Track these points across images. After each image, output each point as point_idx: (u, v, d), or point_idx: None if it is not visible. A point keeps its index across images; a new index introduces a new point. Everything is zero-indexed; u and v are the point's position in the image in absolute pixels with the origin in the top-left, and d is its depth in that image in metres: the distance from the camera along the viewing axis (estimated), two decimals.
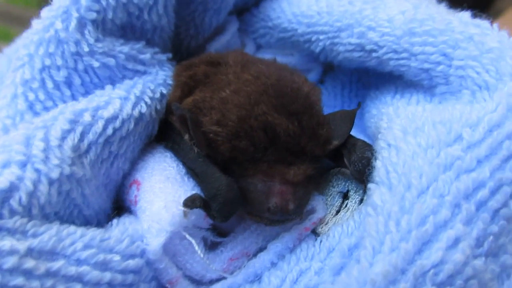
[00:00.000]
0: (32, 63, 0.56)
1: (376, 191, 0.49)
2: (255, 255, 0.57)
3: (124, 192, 0.59)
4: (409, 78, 0.63)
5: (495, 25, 0.58)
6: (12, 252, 0.41)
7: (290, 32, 0.76)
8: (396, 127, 0.54)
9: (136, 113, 0.57)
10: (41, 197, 0.45)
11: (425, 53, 0.59)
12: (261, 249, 0.58)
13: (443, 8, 0.64)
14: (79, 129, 0.51)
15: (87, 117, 0.52)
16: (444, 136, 0.48)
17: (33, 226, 0.44)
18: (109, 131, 0.53)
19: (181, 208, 0.51)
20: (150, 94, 0.60)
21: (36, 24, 0.57)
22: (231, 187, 0.52)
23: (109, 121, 0.53)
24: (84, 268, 0.45)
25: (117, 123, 0.54)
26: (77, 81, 0.57)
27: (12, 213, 0.43)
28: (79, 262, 0.45)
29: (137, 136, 0.58)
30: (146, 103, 0.58)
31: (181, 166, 0.59)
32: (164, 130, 0.63)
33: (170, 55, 0.68)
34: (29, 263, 0.42)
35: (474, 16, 0.63)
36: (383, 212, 0.46)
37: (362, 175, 0.57)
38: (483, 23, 0.58)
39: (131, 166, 0.59)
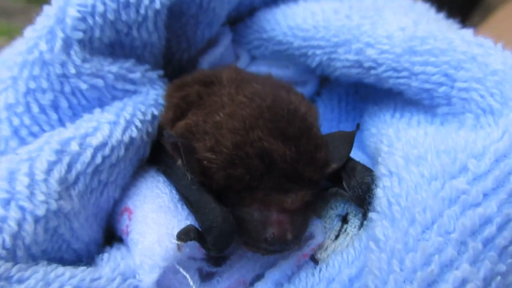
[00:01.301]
0: (16, 86, 0.54)
1: (378, 224, 0.47)
2: (252, 283, 0.56)
3: (116, 219, 0.57)
4: (409, 97, 0.62)
5: (499, 44, 0.56)
6: None
7: (285, 45, 0.74)
8: (397, 153, 0.52)
9: (126, 138, 0.55)
10: (26, 237, 0.43)
11: (426, 73, 0.58)
12: (259, 277, 0.56)
13: (443, 24, 0.62)
14: (66, 159, 0.49)
15: (74, 146, 0.50)
16: (449, 167, 0.47)
17: (18, 271, 0.42)
18: (98, 159, 0.52)
19: (175, 241, 0.49)
20: (141, 117, 0.58)
21: (19, 45, 0.55)
22: (227, 219, 0.51)
23: (98, 149, 0.52)
24: None
25: (107, 151, 0.52)
26: (64, 104, 0.55)
27: None
28: None
29: (128, 161, 0.56)
30: (136, 126, 0.57)
31: (174, 192, 0.57)
32: (156, 152, 0.62)
33: (161, 72, 0.66)
34: None
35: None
36: (386, 249, 0.44)
37: (362, 201, 0.55)
38: (486, 42, 0.57)
39: (122, 191, 0.57)
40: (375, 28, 0.63)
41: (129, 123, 0.56)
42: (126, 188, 0.58)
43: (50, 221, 0.45)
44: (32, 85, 0.54)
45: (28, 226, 0.43)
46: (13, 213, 0.43)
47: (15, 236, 0.42)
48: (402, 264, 0.43)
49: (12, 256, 0.42)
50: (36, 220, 0.44)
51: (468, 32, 0.59)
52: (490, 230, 0.43)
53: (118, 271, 0.49)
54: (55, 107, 0.55)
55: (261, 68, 0.81)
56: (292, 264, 0.56)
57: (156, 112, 0.61)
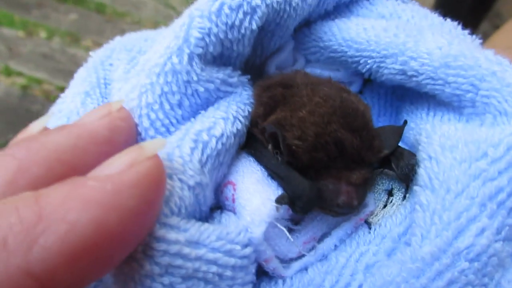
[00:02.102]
0: (153, 90, 0.73)
1: (422, 193, 0.67)
2: (321, 239, 0.75)
3: (219, 191, 0.77)
4: (441, 99, 0.80)
5: (510, 63, 0.76)
6: (176, 242, 0.59)
7: (340, 53, 0.93)
8: (435, 142, 0.72)
9: (234, 129, 0.74)
10: (185, 200, 0.64)
11: (457, 83, 0.75)
12: (326, 235, 0.76)
13: (470, 44, 0.81)
14: (200, 146, 0.68)
15: (204, 137, 0.70)
16: (474, 153, 0.66)
17: (184, 223, 0.61)
18: (219, 146, 0.71)
19: (274, 204, 0.69)
20: (242, 113, 0.77)
21: (156, 58, 0.75)
22: (313, 189, 0.70)
23: (218, 138, 0.71)
24: (218, 255, 0.62)
25: (224, 139, 0.72)
26: (186, 103, 0.74)
27: (172, 212, 0.62)
28: (214, 250, 0.62)
29: (235, 146, 0.76)
30: (240, 120, 0.76)
31: (263, 169, 0.77)
32: (247, 139, 0.81)
33: (249, 76, 0.85)
34: (185, 250, 0.59)
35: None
36: (429, 209, 0.64)
37: (408, 178, 0.75)
38: (504, 61, 0.75)
39: None
40: (418, 46, 0.80)
41: (235, 118, 0.75)
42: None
43: (196, 189, 0.65)
44: (166, 88, 0.72)
45: (186, 193, 0.63)
46: (177, 183, 0.63)
47: (181, 199, 0.62)
48: (441, 218, 0.62)
49: (178, 213, 0.61)
50: (189, 188, 0.64)
51: (490, 52, 0.77)
52: (502, 196, 0.62)
53: (240, 228, 0.67)
54: (180, 105, 0.74)
55: (315, 70, 1.00)
56: (351, 225, 0.73)
57: (250, 109, 0.80)
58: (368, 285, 0.67)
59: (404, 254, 0.65)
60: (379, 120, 1.00)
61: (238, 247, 0.66)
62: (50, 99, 3.89)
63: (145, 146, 0.55)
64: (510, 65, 0.76)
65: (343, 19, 0.97)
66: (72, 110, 0.88)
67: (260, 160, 0.79)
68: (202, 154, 0.69)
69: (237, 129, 0.76)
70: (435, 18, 0.98)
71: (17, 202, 0.45)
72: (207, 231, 0.64)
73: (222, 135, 0.73)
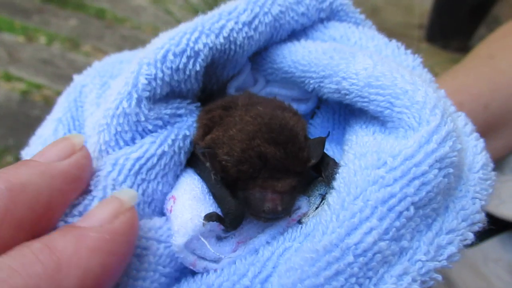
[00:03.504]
0: (109, 129, 0.86)
1: (331, 195, 0.74)
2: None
3: (164, 202, 0.89)
4: (371, 114, 0.90)
5: (423, 83, 0.84)
6: None
7: (290, 74, 1.03)
8: (351, 151, 0.82)
9: (159, 151, 0.86)
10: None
11: (377, 101, 0.84)
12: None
13: (394, 65, 0.89)
14: (117, 168, 0.82)
15: (121, 160, 0.83)
16: (375, 161, 0.74)
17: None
18: (136, 167, 0.84)
19: (201, 220, 0.76)
20: (173, 137, 0.89)
21: (110, 103, 0.88)
22: (238, 208, 0.78)
23: (136, 160, 0.84)
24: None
25: (143, 160, 0.84)
26: (138, 137, 0.88)
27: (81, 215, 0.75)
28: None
29: (163, 166, 0.88)
30: (168, 144, 0.88)
31: (204, 186, 0.87)
32: (193, 159, 0.93)
33: (198, 104, 0.97)
34: None
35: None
36: (331, 209, 0.71)
37: (330, 184, 0.85)
38: (417, 81, 0.83)
39: (170, 186, 0.90)
40: (348, 67, 0.89)
41: (163, 141, 0.87)
42: (174, 182, 0.90)
43: None
44: (119, 128, 0.85)
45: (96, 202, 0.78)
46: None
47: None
48: (338, 217, 0.69)
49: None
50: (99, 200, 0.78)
51: (407, 73, 0.85)
52: (393, 201, 0.69)
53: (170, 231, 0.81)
54: (133, 140, 0.87)
55: (274, 89, 1.11)
56: (284, 225, 0.81)
57: (188, 133, 0.92)
58: (280, 274, 0.75)
59: (306, 246, 0.71)
60: (333, 133, 1.08)
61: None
62: (49, 104, 3.85)
63: (123, 198, 0.70)
64: (422, 84, 0.84)
65: (294, 42, 1.08)
66: (46, 138, 1.03)
67: (202, 178, 0.91)
68: (119, 174, 0.83)
69: (163, 151, 0.88)
70: (381, 40, 1.07)
71: (36, 254, 0.56)
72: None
73: (141, 157, 0.85)
